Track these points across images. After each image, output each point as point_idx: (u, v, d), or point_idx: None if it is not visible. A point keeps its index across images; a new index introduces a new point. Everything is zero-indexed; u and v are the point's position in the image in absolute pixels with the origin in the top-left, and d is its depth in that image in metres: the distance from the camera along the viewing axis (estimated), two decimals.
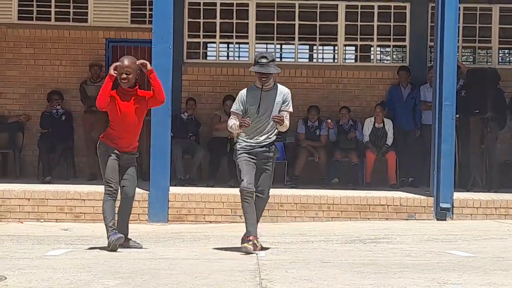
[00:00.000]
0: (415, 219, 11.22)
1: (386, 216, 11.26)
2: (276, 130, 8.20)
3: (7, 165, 14.05)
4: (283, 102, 8.18)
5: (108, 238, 8.08)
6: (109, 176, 8.11)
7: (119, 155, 8.15)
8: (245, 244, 7.92)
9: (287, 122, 8.18)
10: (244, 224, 8.17)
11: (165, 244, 8.84)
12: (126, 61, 8.17)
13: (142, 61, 8.23)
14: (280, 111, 8.15)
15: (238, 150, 8.14)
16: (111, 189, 8.12)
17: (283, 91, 8.23)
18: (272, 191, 11.07)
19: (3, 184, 11.72)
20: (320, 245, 8.80)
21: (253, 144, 8.11)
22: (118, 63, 8.13)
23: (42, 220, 11.03)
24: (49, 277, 6.35)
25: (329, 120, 13.61)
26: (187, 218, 11.10)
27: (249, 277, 6.42)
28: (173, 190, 11.26)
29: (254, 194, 8.06)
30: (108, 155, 8.12)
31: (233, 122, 8.12)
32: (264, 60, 8.02)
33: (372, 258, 7.68)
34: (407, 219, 11.21)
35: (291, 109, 8.26)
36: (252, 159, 8.07)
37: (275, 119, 8.05)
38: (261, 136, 8.12)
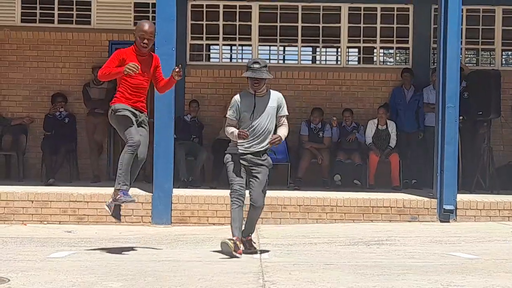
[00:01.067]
0: (418, 221, 11.21)
1: (389, 218, 11.25)
2: (269, 138, 8.09)
3: (10, 167, 14.07)
4: (278, 107, 8.13)
5: (117, 189, 8.07)
6: (132, 131, 8.04)
7: (135, 113, 8.16)
8: (227, 241, 7.82)
9: (285, 131, 8.14)
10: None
11: (169, 246, 8.84)
12: (147, 25, 8.23)
13: (178, 69, 8.29)
14: (277, 117, 8.11)
15: (228, 154, 8.09)
16: (133, 142, 8.03)
17: (277, 95, 8.18)
18: (276, 193, 11.19)
19: (7, 186, 11.72)
20: (323, 247, 8.79)
21: (244, 151, 8.03)
22: (133, 68, 8.01)
23: (46, 222, 11.03)
24: (52, 279, 6.36)
25: (334, 118, 13.61)
26: (190, 220, 11.11)
27: (252, 279, 6.43)
28: (176, 192, 11.27)
29: (244, 197, 7.97)
30: (126, 112, 8.08)
31: (232, 130, 8.04)
32: (256, 66, 7.99)
33: (375, 260, 7.68)
34: (410, 221, 11.21)
35: (286, 112, 8.23)
36: (242, 164, 8.00)
37: (273, 142, 8.00)
38: (254, 142, 8.03)
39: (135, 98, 8.19)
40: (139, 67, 8.03)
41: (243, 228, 8.10)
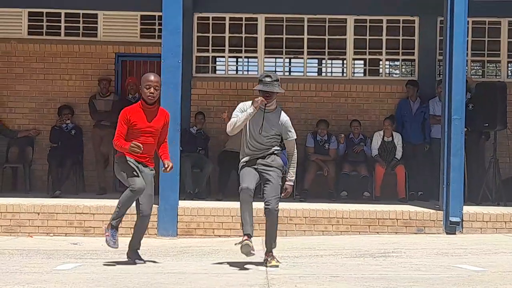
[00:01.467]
0: (424, 233, 11.19)
1: (395, 230, 11.23)
2: (274, 146, 8.14)
3: (17, 179, 14.10)
4: (282, 125, 8.13)
5: (110, 224, 8.08)
6: (132, 177, 8.01)
7: (138, 167, 8.12)
8: (248, 242, 7.86)
9: (295, 156, 8.24)
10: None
11: (174, 258, 8.84)
12: (152, 76, 8.20)
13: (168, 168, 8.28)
14: (286, 141, 8.16)
15: (241, 163, 8.16)
16: (134, 188, 7.99)
17: (285, 116, 8.19)
18: (281, 205, 11.05)
19: (13, 198, 11.75)
20: (329, 259, 8.79)
21: (253, 159, 8.11)
22: (135, 149, 7.94)
23: (52, 234, 11.04)
24: None
25: (342, 135, 13.61)
26: (196, 232, 11.10)
27: None
28: (182, 204, 11.27)
29: (253, 194, 7.96)
30: (129, 163, 8.07)
31: (236, 119, 8.03)
32: (268, 79, 8.01)
33: (381, 272, 7.67)
34: (416, 233, 11.19)
35: (295, 135, 8.26)
36: (253, 167, 8.07)
37: (286, 195, 8.19)
38: (260, 152, 8.10)
39: (141, 155, 8.12)
40: (142, 147, 7.97)
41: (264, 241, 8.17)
